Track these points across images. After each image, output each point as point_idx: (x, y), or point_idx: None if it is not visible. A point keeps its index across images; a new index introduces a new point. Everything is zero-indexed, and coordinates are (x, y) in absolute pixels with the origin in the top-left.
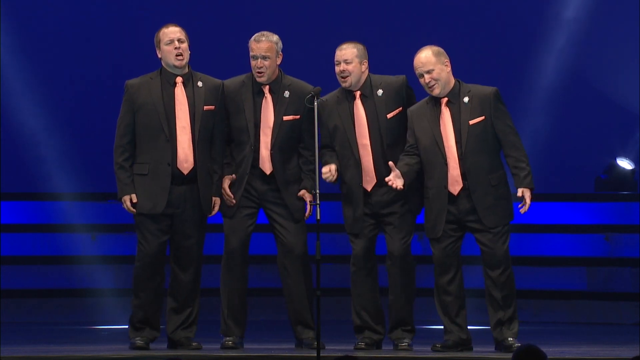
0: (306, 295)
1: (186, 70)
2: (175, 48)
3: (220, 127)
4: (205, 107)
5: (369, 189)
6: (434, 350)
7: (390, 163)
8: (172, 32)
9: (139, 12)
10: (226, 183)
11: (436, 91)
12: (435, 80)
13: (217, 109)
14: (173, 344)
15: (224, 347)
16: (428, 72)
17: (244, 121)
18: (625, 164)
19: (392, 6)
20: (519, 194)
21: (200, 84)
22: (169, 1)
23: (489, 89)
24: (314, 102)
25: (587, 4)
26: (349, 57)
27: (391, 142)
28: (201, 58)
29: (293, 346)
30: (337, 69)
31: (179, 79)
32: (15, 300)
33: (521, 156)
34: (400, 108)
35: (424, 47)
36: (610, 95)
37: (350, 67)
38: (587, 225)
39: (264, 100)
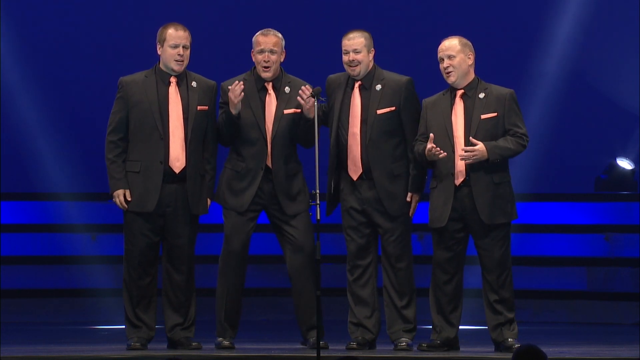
0: (314, 295)
1: (181, 72)
2: (179, 54)
3: (214, 127)
4: (199, 107)
5: (354, 178)
6: (420, 349)
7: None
8: (179, 37)
9: (140, 12)
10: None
11: (451, 79)
12: (454, 67)
13: (210, 110)
14: (173, 344)
15: (221, 347)
16: (449, 57)
17: (252, 117)
18: (625, 164)
19: (391, 5)
20: (473, 142)
21: (194, 84)
22: (168, 2)
23: (506, 90)
24: (314, 102)
25: (588, 4)
26: (358, 46)
27: (375, 137)
28: (198, 58)
29: (294, 346)
30: (345, 58)
31: (173, 79)
32: (15, 300)
33: (513, 139)
34: (394, 108)
35: (453, 36)
36: (610, 95)
37: (359, 57)
38: (587, 225)
39: (267, 97)
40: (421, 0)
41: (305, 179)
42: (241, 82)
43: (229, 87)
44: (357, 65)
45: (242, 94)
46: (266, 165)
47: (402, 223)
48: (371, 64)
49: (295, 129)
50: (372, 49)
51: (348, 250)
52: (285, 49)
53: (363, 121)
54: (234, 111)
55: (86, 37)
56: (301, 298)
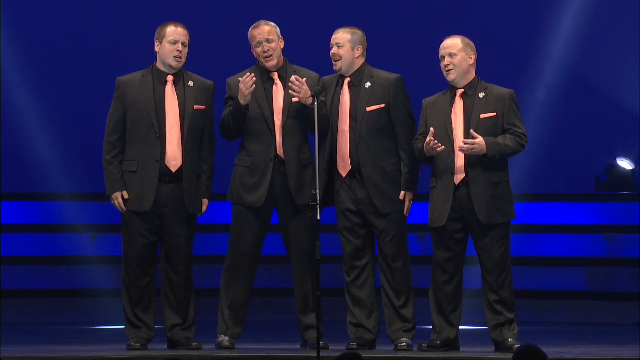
0: (314, 295)
1: (178, 69)
2: (177, 50)
3: (211, 127)
4: (195, 106)
5: (343, 175)
6: (420, 349)
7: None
8: (178, 34)
9: (139, 12)
10: None
11: (451, 76)
12: (454, 65)
13: (207, 109)
14: (173, 344)
15: (222, 347)
16: (450, 55)
17: (257, 109)
18: (625, 164)
19: (391, 4)
20: (474, 135)
21: (191, 83)
22: (168, 2)
23: (506, 90)
24: (314, 102)
25: (588, 5)
26: (341, 40)
27: (365, 134)
28: (197, 57)
29: (294, 346)
30: (330, 51)
31: (169, 77)
32: (15, 300)
33: (512, 137)
34: (383, 105)
35: (455, 34)
36: (610, 95)
37: (341, 51)
38: (587, 225)
39: (274, 87)
40: (422, 0)
41: (315, 173)
42: (252, 74)
43: (240, 79)
44: (338, 59)
45: (254, 85)
46: (278, 156)
47: (396, 223)
48: (358, 61)
49: (304, 118)
50: (360, 46)
51: (344, 251)
52: (282, 35)
53: (352, 118)
54: (242, 102)
55: (86, 37)
56: (300, 298)
